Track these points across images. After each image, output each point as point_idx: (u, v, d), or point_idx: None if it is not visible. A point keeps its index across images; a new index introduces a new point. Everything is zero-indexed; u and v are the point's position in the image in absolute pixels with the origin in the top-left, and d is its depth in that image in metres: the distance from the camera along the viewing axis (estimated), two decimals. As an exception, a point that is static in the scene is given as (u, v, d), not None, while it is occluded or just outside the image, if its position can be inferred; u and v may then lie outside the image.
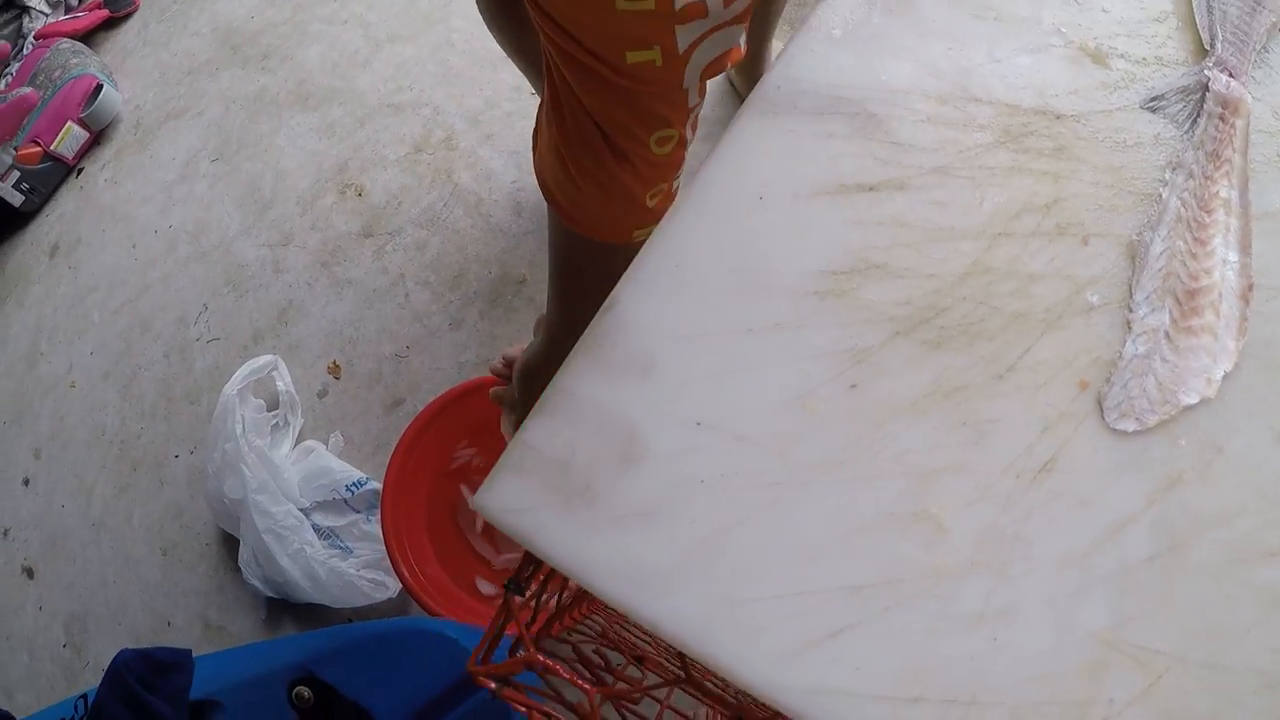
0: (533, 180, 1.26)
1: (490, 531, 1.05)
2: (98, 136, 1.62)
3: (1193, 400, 0.35)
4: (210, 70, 1.58)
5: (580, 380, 0.34)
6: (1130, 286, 0.38)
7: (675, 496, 0.33)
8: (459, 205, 1.28)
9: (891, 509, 0.33)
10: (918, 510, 0.33)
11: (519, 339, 1.16)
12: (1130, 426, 0.35)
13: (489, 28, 0.97)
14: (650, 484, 0.33)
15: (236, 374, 1.14)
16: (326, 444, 1.16)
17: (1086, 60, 0.43)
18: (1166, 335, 0.37)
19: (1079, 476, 0.34)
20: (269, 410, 1.16)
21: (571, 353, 0.35)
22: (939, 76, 0.42)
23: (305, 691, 0.72)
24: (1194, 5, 0.45)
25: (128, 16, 1.74)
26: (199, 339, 1.32)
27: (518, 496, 0.33)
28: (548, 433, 0.34)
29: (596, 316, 0.36)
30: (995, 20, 0.44)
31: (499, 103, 1.34)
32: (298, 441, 1.17)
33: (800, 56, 0.42)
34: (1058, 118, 0.41)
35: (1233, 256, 0.39)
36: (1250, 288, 0.39)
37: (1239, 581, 0.33)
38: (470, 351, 1.18)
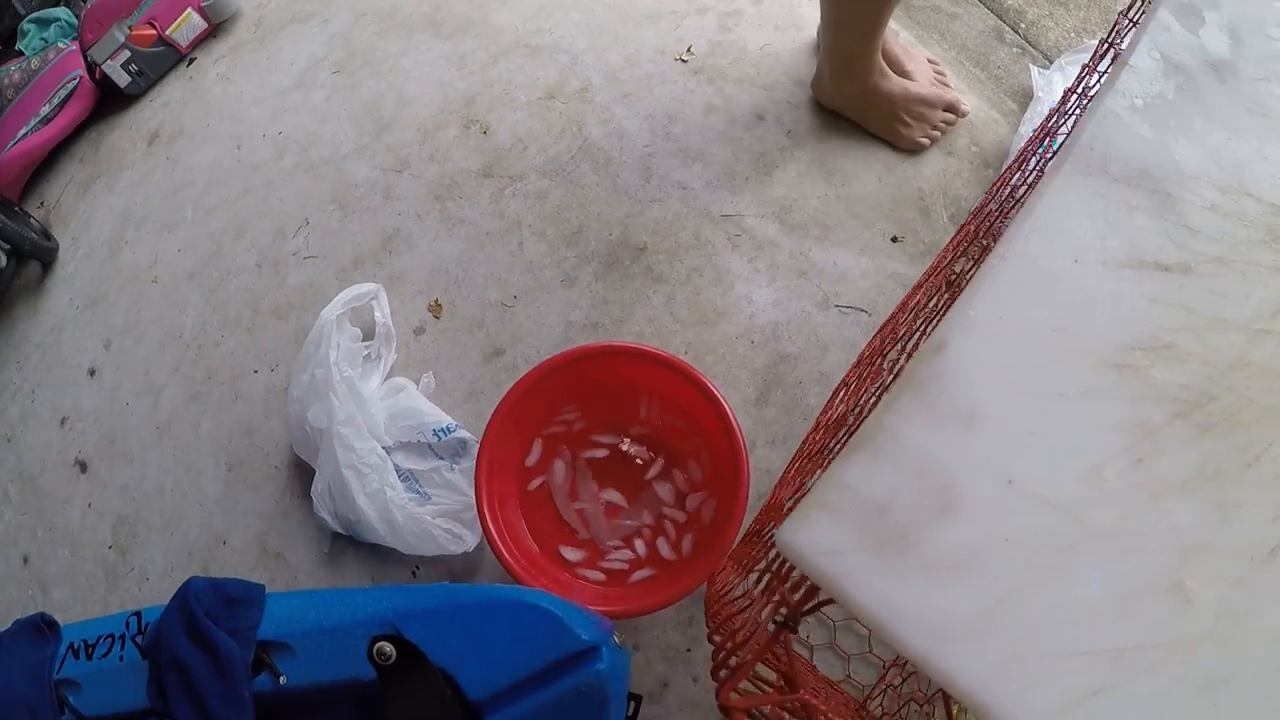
0: (665, 146, 1.20)
1: (577, 501, 0.99)
2: (215, 29, 1.57)
3: None
4: (340, -21, 1.52)
5: (906, 422, 0.35)
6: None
7: (983, 551, 0.34)
8: (586, 160, 1.21)
9: (1154, 579, 0.35)
10: (1174, 583, 0.35)
11: (633, 305, 1.10)
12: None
13: None
14: (963, 537, 0.34)
15: (337, 298, 1.09)
16: (418, 384, 1.10)
17: None
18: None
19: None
20: (363, 340, 1.11)
21: (897, 393, 0.34)
22: (1221, 165, 0.43)
23: (388, 647, 0.68)
24: None
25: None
26: (295, 253, 1.28)
27: (831, 537, 0.33)
28: (869, 474, 0.34)
29: (925, 354, 0.36)
30: (1264, 117, 0.45)
31: (640, 63, 1.28)
32: (388, 377, 1.12)
33: (1109, 120, 0.44)
34: None
35: None
36: None
37: None
38: (580, 312, 1.12)
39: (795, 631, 0.33)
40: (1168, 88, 0.45)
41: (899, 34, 1.25)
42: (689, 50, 1.28)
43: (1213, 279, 0.40)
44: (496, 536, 0.89)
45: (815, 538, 0.32)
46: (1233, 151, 0.44)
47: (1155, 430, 0.37)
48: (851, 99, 1.11)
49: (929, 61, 1.18)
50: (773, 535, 0.34)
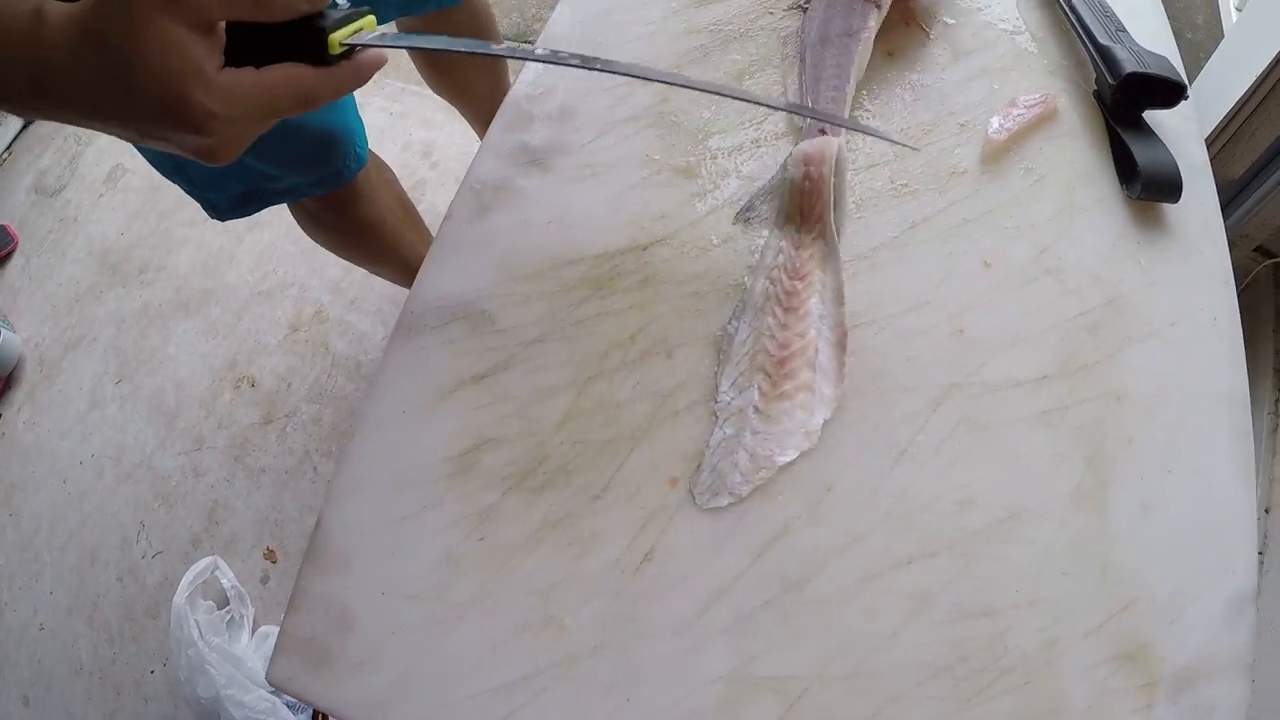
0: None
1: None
2: (8, 379, 1.71)
3: (790, 457, 0.45)
4: (95, 294, 1.68)
5: (310, 582, 0.45)
6: (716, 379, 0.48)
7: (380, 647, 0.43)
8: (340, 373, 1.38)
9: (524, 621, 0.42)
10: (544, 617, 0.42)
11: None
12: (724, 501, 0.44)
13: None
14: (363, 641, 0.43)
15: (181, 583, 1.23)
16: (280, 625, 1.24)
17: (679, 178, 0.55)
18: (755, 410, 0.46)
19: (678, 557, 0.43)
20: (220, 608, 1.25)
21: (303, 563, 0.46)
22: (540, 253, 0.52)
23: None
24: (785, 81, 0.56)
25: (8, 256, 1.84)
26: (144, 556, 1.41)
27: (287, 670, 0.44)
28: (296, 622, 0.45)
29: (313, 532, 0.46)
30: (592, 175, 0.55)
31: (353, 267, 1.46)
32: (255, 629, 1.26)
33: (430, 275, 0.52)
34: (645, 249, 0.52)
35: (828, 311, 0.49)
36: (845, 335, 0.48)
37: (876, 593, 0.42)
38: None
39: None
40: (484, 216, 0.54)
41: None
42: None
43: (532, 360, 0.49)
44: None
45: (279, 673, 0.43)
46: (554, 232, 0.52)
47: (492, 510, 0.45)
48: None
49: None
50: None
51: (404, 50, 0.49)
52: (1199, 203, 0.56)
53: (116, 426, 1.54)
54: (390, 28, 1.03)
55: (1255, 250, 1.11)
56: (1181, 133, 0.59)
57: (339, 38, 0.35)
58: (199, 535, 1.37)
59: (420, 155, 1.60)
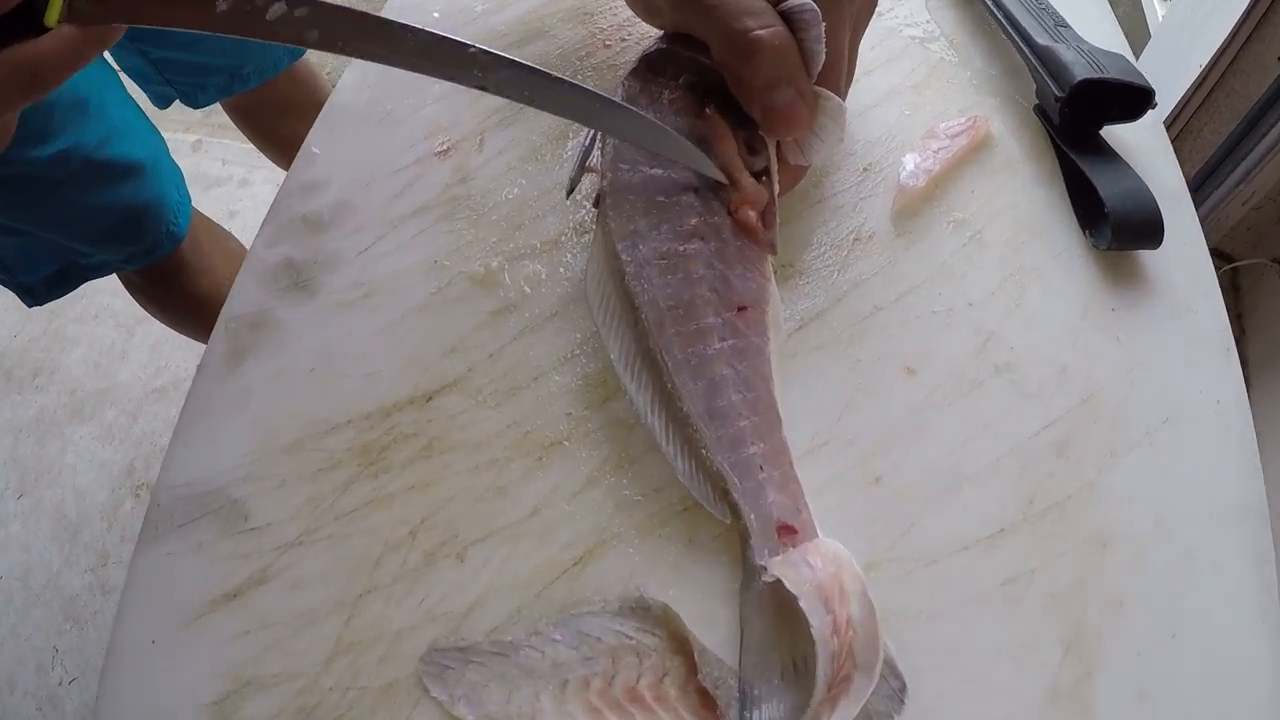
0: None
1: None
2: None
3: None
4: (-7, 403, 1.55)
5: None
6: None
7: None
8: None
9: None
10: None
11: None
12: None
13: None
14: None
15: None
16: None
17: (475, 291, 0.41)
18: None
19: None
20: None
21: None
22: (300, 415, 0.39)
23: None
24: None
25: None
26: (60, 683, 1.28)
27: None
28: None
29: None
30: (366, 298, 0.41)
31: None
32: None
33: (177, 456, 0.39)
34: (428, 399, 0.39)
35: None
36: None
37: None
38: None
39: None
40: (229, 377, 0.41)
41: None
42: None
43: (292, 570, 0.36)
44: None
45: None
46: (315, 393, 0.39)
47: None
48: None
49: None
50: None
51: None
52: (1183, 243, 0.43)
53: (21, 545, 1.40)
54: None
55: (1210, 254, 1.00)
56: (1149, 150, 0.46)
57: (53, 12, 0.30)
58: (109, 665, 1.23)
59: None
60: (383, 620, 0.34)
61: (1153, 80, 0.44)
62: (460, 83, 0.31)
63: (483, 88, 0.32)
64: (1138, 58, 0.87)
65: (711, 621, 0.33)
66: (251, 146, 1.20)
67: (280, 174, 1.57)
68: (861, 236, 0.42)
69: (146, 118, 0.83)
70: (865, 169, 0.44)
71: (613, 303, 0.35)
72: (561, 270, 0.41)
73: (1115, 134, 0.46)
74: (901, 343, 0.38)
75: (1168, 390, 0.39)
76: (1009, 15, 0.48)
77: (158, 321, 1.39)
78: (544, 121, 0.46)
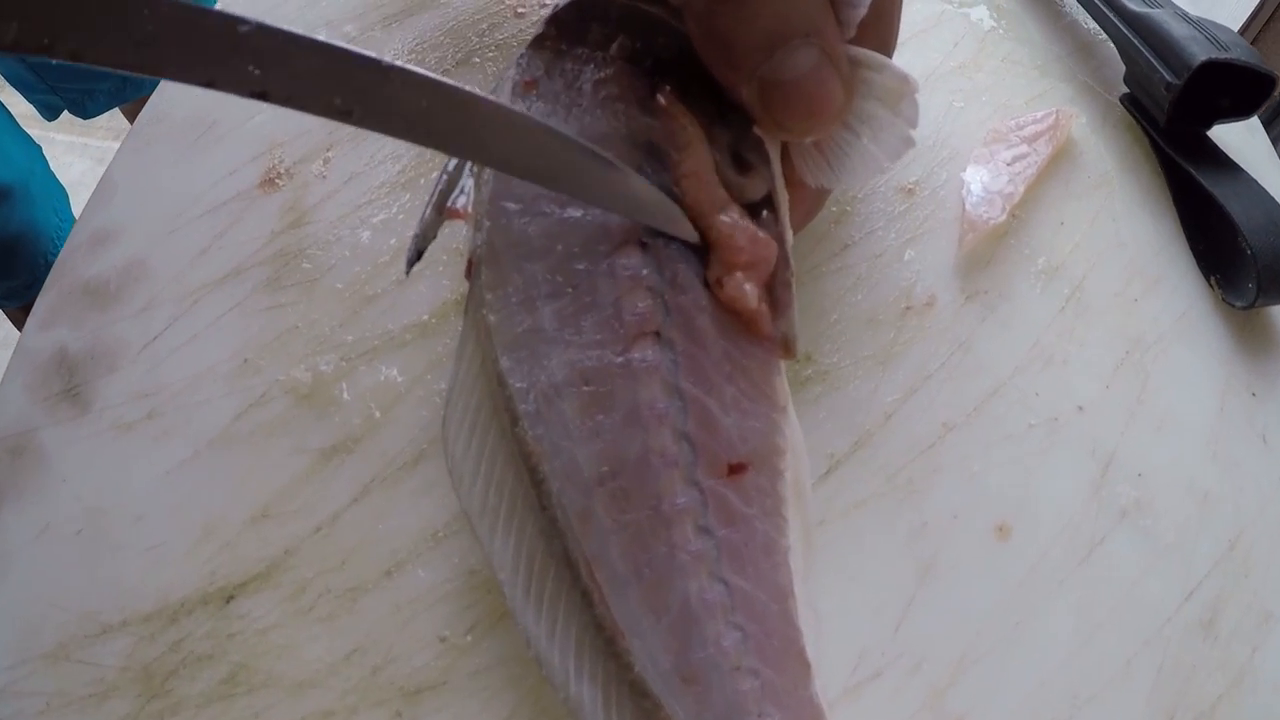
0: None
1: None
2: None
3: None
4: None
5: None
6: None
7: None
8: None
9: None
10: None
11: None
12: None
13: None
14: None
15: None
16: None
17: (298, 412, 0.26)
18: None
19: None
20: None
21: None
22: (64, 606, 0.25)
23: None
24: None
25: None
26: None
27: None
28: None
29: None
30: (149, 419, 0.27)
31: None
32: None
33: None
34: (229, 598, 0.23)
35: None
36: None
37: None
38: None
39: None
40: None
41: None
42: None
43: None
44: None
45: None
46: (71, 576, 0.25)
47: None
48: None
49: None
50: None
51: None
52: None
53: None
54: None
55: None
56: (1254, 158, 0.33)
57: None
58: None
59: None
60: None
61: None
62: (222, 89, 0.16)
63: (262, 95, 0.17)
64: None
65: None
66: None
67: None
68: (914, 304, 0.27)
69: (20, 131, 0.74)
70: (907, 191, 0.30)
71: (494, 470, 0.20)
72: (430, 378, 0.26)
73: (1221, 137, 0.33)
74: (987, 483, 0.25)
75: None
76: (1089, -34, 0.35)
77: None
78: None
